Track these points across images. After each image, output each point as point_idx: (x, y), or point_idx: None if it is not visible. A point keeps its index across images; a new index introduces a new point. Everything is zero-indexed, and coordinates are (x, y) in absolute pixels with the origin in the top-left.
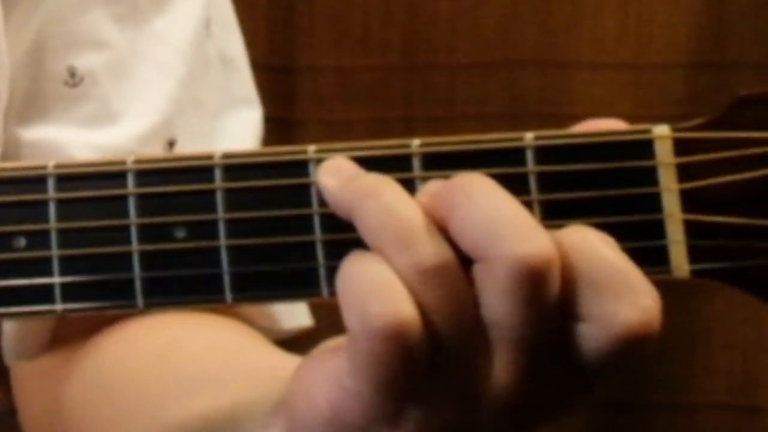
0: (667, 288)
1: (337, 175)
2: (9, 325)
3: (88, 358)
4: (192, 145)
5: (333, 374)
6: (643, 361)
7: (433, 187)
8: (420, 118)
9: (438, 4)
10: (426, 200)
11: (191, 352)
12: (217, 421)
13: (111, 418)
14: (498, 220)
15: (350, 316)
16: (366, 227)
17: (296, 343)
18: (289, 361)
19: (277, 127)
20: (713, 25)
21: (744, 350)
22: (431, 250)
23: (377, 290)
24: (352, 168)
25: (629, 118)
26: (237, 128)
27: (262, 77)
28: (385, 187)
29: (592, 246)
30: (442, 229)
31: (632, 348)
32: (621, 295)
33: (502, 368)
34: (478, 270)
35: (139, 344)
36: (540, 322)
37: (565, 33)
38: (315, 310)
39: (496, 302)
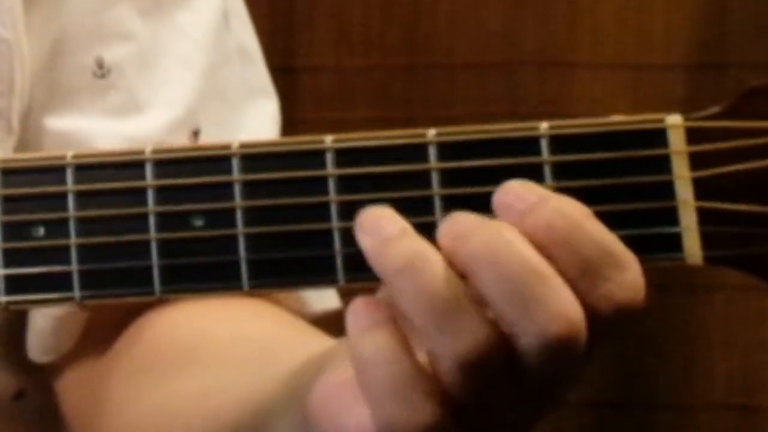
0: (668, 288)
1: (375, 235)
2: (41, 322)
3: (124, 356)
4: (215, 134)
5: (365, 427)
6: (643, 361)
7: (450, 229)
8: (420, 118)
9: (438, 4)
10: (452, 262)
11: (215, 348)
12: (243, 421)
13: (145, 418)
14: (527, 292)
15: (373, 412)
16: (401, 303)
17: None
18: (309, 346)
19: None
20: (713, 25)
21: (744, 350)
22: (467, 337)
23: (398, 396)
24: (390, 224)
25: None
26: (257, 118)
27: None
28: (421, 261)
29: (576, 229)
30: (473, 283)
31: (626, 319)
32: (609, 277)
33: (530, 405)
34: (510, 330)
35: (168, 340)
36: (575, 370)
37: (565, 33)
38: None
39: (530, 364)
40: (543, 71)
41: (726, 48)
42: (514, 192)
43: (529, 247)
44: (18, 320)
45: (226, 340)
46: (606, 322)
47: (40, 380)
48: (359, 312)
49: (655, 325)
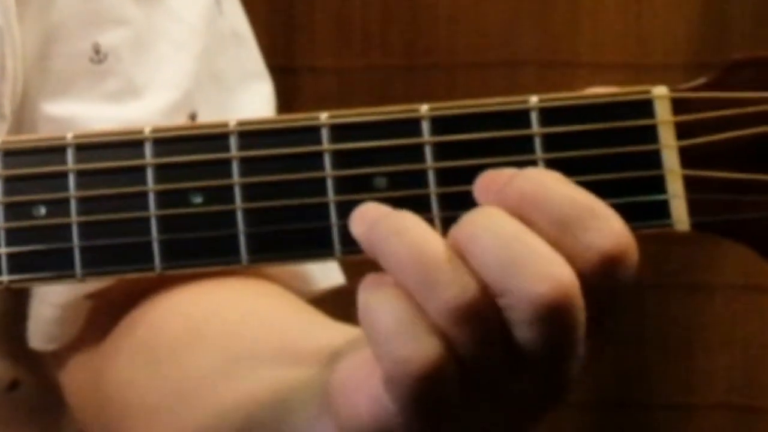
0: (668, 288)
1: (363, 222)
2: (46, 311)
3: (127, 340)
4: (212, 118)
5: (375, 394)
6: (643, 361)
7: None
8: None
9: (438, 4)
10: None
11: (223, 328)
12: (265, 403)
13: (154, 402)
14: (512, 256)
15: (380, 356)
16: (391, 267)
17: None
18: (326, 331)
19: None
20: (713, 25)
21: (744, 350)
22: (456, 289)
23: (402, 332)
24: (378, 211)
25: None
26: (253, 101)
27: None
28: (409, 223)
29: (547, 189)
30: (465, 261)
31: (616, 270)
32: (588, 227)
33: (532, 378)
34: (501, 303)
35: (174, 320)
36: (568, 344)
37: (565, 33)
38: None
39: (524, 333)
40: (543, 71)
41: (726, 48)
42: (488, 177)
43: (509, 218)
44: (14, 310)
45: (236, 321)
46: (595, 276)
47: (35, 370)
48: (367, 281)
49: (655, 325)
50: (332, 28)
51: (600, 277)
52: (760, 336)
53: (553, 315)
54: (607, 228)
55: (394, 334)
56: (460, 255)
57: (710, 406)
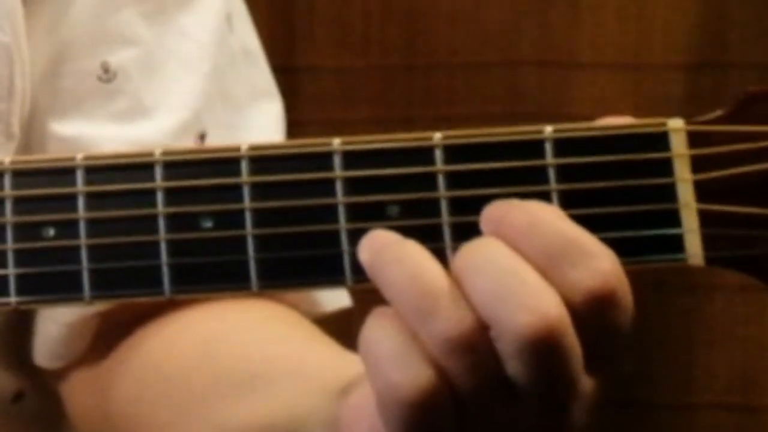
0: (668, 288)
1: (369, 249)
2: (53, 330)
3: (135, 357)
4: (222, 137)
5: (373, 422)
6: (644, 360)
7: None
8: (420, 118)
9: (438, 4)
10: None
11: (236, 347)
12: (278, 424)
13: (165, 418)
14: (501, 287)
15: (374, 382)
16: (390, 294)
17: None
18: (338, 360)
19: None
20: (713, 25)
21: (744, 350)
22: (452, 320)
23: (396, 358)
24: (385, 238)
25: None
26: (262, 120)
27: None
28: (410, 252)
29: (538, 222)
30: (463, 291)
31: (604, 309)
32: (577, 264)
33: (527, 415)
34: (492, 334)
35: (182, 340)
36: (560, 380)
37: (565, 33)
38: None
39: (513, 364)
40: (543, 71)
41: (726, 48)
42: (492, 208)
43: (505, 249)
44: (18, 322)
45: (248, 342)
46: (583, 314)
47: (39, 381)
48: (373, 312)
49: (655, 325)
50: (332, 28)
51: (588, 315)
52: (760, 336)
53: (540, 348)
54: (595, 266)
55: (387, 359)
56: (459, 285)
57: (710, 405)
